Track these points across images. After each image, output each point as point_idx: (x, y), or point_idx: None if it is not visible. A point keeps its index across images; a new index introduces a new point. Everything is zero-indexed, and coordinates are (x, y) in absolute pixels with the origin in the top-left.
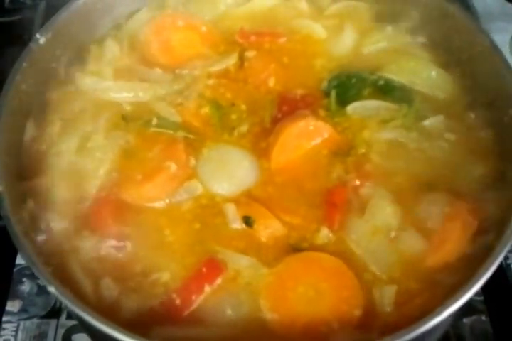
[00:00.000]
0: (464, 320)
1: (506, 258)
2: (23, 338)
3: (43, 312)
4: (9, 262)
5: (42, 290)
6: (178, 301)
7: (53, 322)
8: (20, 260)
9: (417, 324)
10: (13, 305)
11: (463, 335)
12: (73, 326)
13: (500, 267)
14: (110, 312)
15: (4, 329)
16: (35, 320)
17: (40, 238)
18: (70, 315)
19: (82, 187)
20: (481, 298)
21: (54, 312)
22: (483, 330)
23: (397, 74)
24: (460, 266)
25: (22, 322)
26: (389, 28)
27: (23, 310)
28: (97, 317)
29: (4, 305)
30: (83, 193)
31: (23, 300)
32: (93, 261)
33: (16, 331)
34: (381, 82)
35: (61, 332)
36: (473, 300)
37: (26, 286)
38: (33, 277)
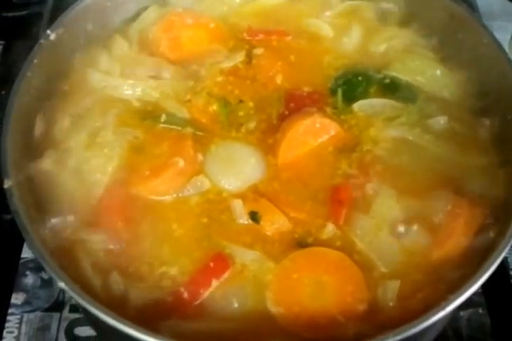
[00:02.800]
0: (461, 313)
1: None
2: (27, 330)
3: (47, 305)
4: (15, 256)
5: (45, 283)
6: (185, 295)
7: (56, 315)
8: (24, 253)
9: (420, 319)
10: (17, 298)
11: (460, 328)
12: (76, 319)
13: None
14: (118, 306)
15: (8, 321)
16: (38, 313)
17: (49, 232)
18: (73, 309)
19: (90, 183)
20: (479, 290)
21: (57, 305)
22: (480, 323)
23: (402, 72)
24: (463, 261)
25: (26, 315)
26: (395, 27)
27: (26, 302)
28: (107, 311)
29: (10, 297)
30: (91, 188)
31: (27, 292)
32: (101, 254)
33: (20, 323)
34: (387, 81)
35: (64, 325)
36: None
37: (30, 279)
38: (36, 270)
